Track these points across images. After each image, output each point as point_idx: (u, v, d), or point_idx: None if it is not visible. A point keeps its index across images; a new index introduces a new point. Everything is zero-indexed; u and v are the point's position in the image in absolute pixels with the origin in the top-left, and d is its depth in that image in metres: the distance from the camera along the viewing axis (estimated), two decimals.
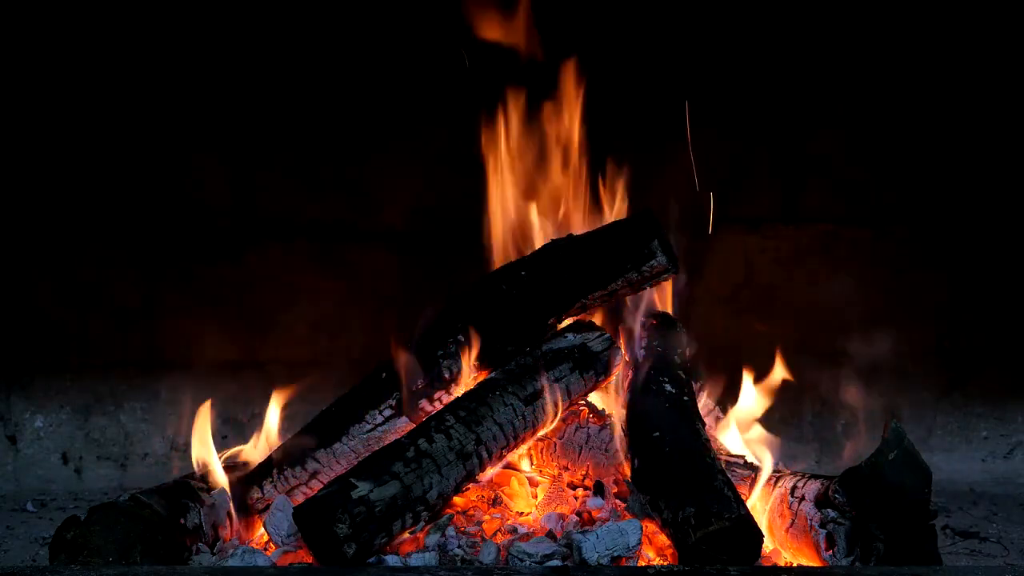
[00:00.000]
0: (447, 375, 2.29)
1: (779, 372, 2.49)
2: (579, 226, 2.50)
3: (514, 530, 2.11)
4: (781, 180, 3.19)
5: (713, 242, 3.18)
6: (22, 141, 3.11)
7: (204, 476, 2.24)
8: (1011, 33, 3.09)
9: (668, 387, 2.25)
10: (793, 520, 2.05)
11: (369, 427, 2.26)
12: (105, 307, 3.16)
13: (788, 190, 3.20)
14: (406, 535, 2.00)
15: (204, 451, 2.25)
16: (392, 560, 1.95)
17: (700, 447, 2.08)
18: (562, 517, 2.16)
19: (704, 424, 2.22)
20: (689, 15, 3.07)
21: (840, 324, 3.16)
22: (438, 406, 2.26)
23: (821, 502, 2.00)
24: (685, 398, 2.24)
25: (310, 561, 1.98)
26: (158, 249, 3.16)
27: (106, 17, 3.04)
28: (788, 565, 2.04)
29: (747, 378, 2.48)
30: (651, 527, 2.04)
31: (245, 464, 2.38)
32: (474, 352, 2.29)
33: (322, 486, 2.08)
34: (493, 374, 2.25)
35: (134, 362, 3.19)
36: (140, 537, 1.96)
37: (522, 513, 2.24)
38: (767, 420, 2.48)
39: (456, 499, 2.16)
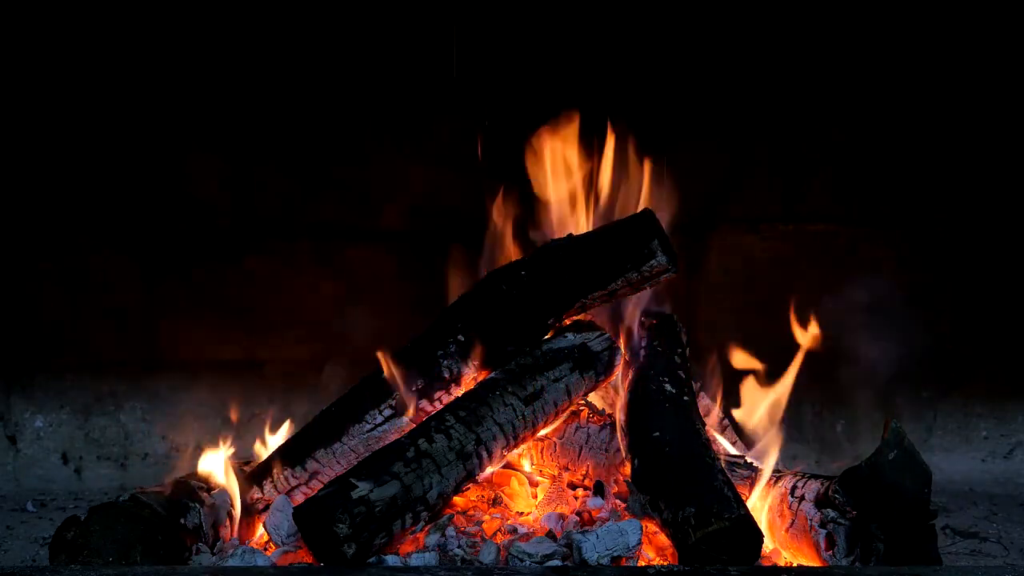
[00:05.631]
0: (447, 375, 2.29)
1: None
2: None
3: (514, 530, 2.12)
4: (781, 180, 3.19)
5: (713, 242, 3.19)
6: (23, 142, 3.11)
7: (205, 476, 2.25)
8: (1012, 32, 3.09)
9: (668, 387, 2.25)
10: (793, 520, 2.05)
11: (369, 427, 2.26)
12: (105, 307, 3.16)
13: (788, 190, 3.20)
14: (406, 535, 2.00)
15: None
16: (392, 560, 1.95)
17: (700, 447, 2.08)
18: (562, 517, 2.16)
19: (704, 424, 2.22)
20: (690, 15, 3.07)
21: (840, 324, 3.15)
22: (438, 406, 2.26)
23: (821, 502, 2.00)
24: (685, 398, 2.24)
25: (310, 561, 1.98)
26: (158, 249, 3.16)
27: (107, 15, 3.04)
28: (788, 565, 2.04)
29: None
30: (651, 527, 2.04)
31: (245, 464, 2.38)
32: (474, 352, 2.29)
33: (322, 486, 2.08)
34: (493, 374, 2.25)
35: (134, 362, 3.19)
36: (140, 537, 1.96)
37: (522, 513, 2.24)
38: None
39: (456, 499, 2.16)
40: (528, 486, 2.31)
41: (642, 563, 1.97)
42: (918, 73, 3.12)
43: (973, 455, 3.23)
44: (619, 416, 2.31)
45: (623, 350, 2.39)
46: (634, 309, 2.49)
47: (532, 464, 2.39)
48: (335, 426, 2.28)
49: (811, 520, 2.00)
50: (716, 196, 3.18)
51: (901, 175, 3.17)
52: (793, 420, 3.17)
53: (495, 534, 2.10)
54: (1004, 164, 3.16)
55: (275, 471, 2.27)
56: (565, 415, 2.32)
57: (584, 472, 2.32)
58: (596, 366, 2.30)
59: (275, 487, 2.26)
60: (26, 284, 3.14)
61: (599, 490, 2.25)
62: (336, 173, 3.16)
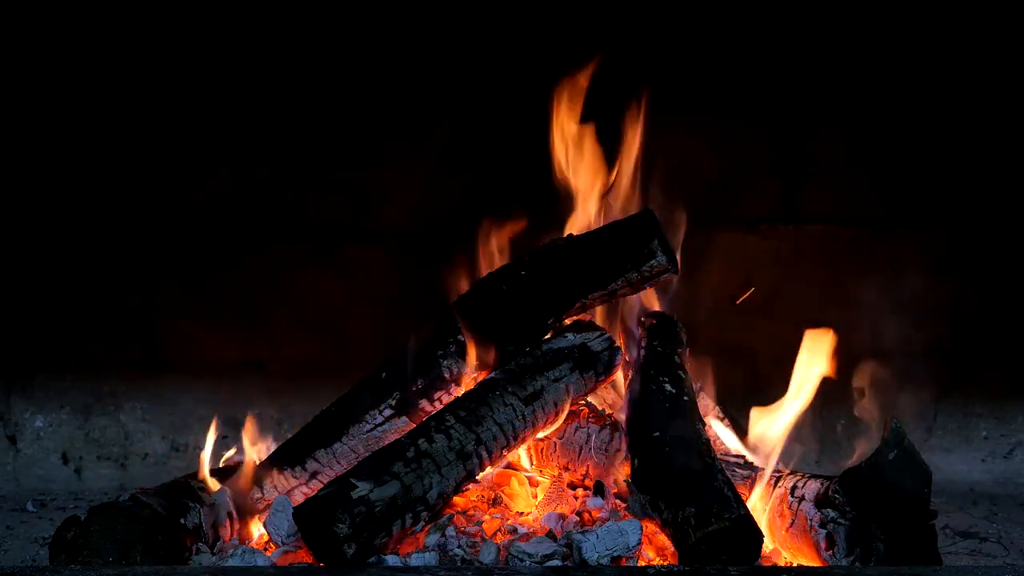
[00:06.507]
0: (447, 375, 2.29)
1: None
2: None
3: (514, 530, 2.12)
4: (781, 180, 3.19)
5: (713, 242, 3.19)
6: (23, 141, 3.11)
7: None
8: (1012, 31, 3.09)
9: (668, 387, 2.25)
10: (793, 520, 2.05)
11: (369, 427, 2.26)
12: (105, 307, 3.16)
13: (788, 190, 3.20)
14: (406, 535, 2.00)
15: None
16: (392, 560, 1.95)
17: (700, 447, 2.09)
18: (562, 517, 2.16)
19: (704, 424, 2.22)
20: (690, 15, 3.07)
21: (840, 324, 3.15)
22: (438, 406, 2.26)
23: (821, 502, 2.00)
24: (685, 398, 2.25)
25: (310, 561, 1.98)
26: (158, 249, 3.16)
27: (109, 15, 3.04)
28: (788, 565, 2.04)
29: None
30: (651, 527, 2.04)
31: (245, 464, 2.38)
32: (474, 352, 2.29)
33: (322, 486, 2.08)
34: (493, 374, 2.25)
35: (134, 362, 3.19)
36: (140, 537, 1.96)
37: (522, 513, 2.24)
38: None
39: (456, 499, 2.16)
40: (528, 486, 2.31)
41: (642, 563, 1.97)
42: (919, 72, 3.12)
43: (973, 455, 3.22)
44: (619, 416, 2.31)
45: (623, 350, 2.39)
46: (634, 309, 2.49)
47: (532, 464, 2.39)
48: (335, 426, 2.28)
49: (811, 520, 2.00)
50: (716, 196, 3.18)
51: (901, 175, 3.17)
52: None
53: (495, 534, 2.10)
54: (1003, 164, 3.16)
55: (275, 471, 2.27)
56: (565, 415, 2.32)
57: (584, 472, 2.32)
58: (596, 366, 2.30)
59: (275, 487, 2.26)
60: (26, 284, 3.14)
61: (599, 490, 2.25)
62: (336, 173, 3.16)
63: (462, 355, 2.28)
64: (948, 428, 3.24)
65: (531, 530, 2.12)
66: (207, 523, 2.12)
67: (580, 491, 2.30)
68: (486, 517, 2.16)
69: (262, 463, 2.32)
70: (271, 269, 3.18)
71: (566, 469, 2.35)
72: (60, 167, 3.12)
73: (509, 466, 2.34)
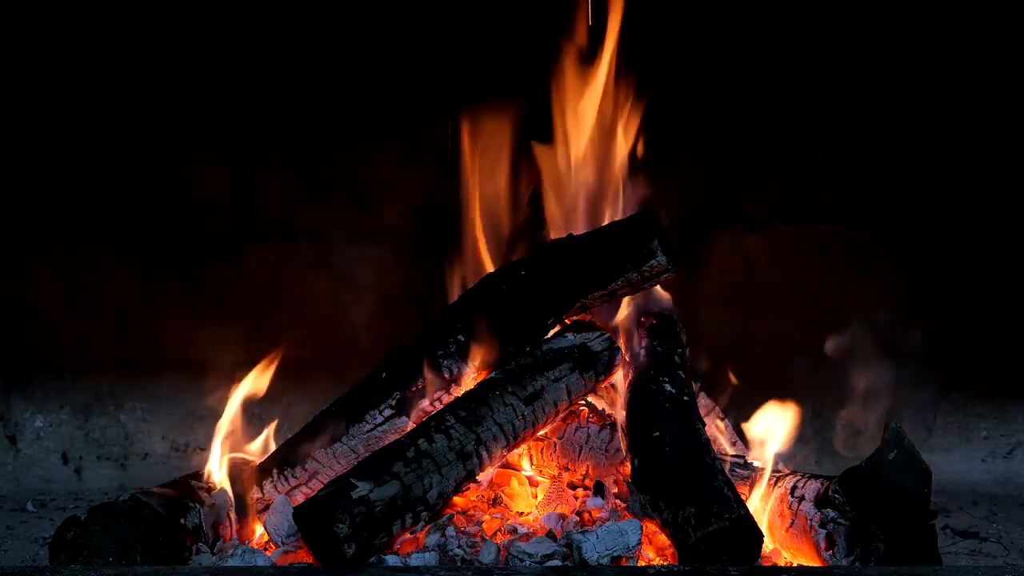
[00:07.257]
0: (447, 375, 2.29)
1: None
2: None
3: (514, 530, 2.12)
4: (781, 180, 3.19)
5: (713, 242, 3.19)
6: (20, 140, 3.11)
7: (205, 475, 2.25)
8: (1008, 36, 3.09)
9: (668, 387, 2.25)
10: (793, 520, 2.05)
11: (369, 427, 2.26)
12: (105, 307, 3.16)
13: (788, 190, 3.20)
14: (406, 535, 2.01)
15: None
16: (392, 560, 1.95)
17: (700, 447, 2.09)
18: (562, 517, 2.16)
19: (704, 424, 2.22)
20: (689, 16, 3.07)
21: (840, 324, 3.16)
22: (438, 406, 2.26)
23: (821, 502, 2.00)
24: (685, 398, 2.24)
25: (310, 561, 1.98)
26: (159, 249, 3.16)
27: (104, 11, 3.04)
28: (788, 565, 2.04)
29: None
30: (651, 527, 2.04)
31: (246, 463, 2.38)
32: (474, 352, 2.29)
33: (322, 486, 2.08)
34: (493, 374, 2.25)
35: (134, 362, 3.19)
36: (140, 537, 1.96)
37: (522, 513, 2.24)
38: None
39: (456, 499, 2.16)
40: (528, 486, 2.31)
41: (642, 563, 1.97)
42: (918, 76, 3.12)
43: (973, 455, 3.22)
44: (619, 416, 2.31)
45: (623, 350, 2.39)
46: (634, 309, 2.49)
47: (532, 464, 2.40)
48: (335, 426, 2.28)
49: (811, 520, 2.00)
50: (716, 196, 3.18)
51: (901, 176, 3.17)
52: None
53: (495, 534, 2.10)
54: (1004, 165, 3.16)
55: (275, 471, 2.27)
56: (565, 415, 2.32)
57: (584, 472, 2.32)
58: (596, 366, 2.30)
59: (275, 487, 2.26)
60: (26, 284, 3.14)
61: (599, 490, 2.25)
62: (336, 173, 3.16)
63: (462, 355, 2.29)
64: (948, 428, 3.24)
65: (531, 530, 2.12)
66: (207, 523, 2.12)
67: (580, 491, 2.30)
68: (486, 517, 2.16)
69: (262, 463, 2.32)
70: (271, 269, 3.17)
71: (566, 469, 2.35)
72: (58, 165, 3.12)
73: (509, 466, 2.34)
